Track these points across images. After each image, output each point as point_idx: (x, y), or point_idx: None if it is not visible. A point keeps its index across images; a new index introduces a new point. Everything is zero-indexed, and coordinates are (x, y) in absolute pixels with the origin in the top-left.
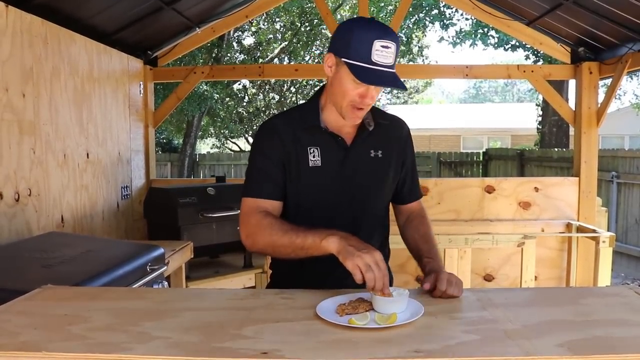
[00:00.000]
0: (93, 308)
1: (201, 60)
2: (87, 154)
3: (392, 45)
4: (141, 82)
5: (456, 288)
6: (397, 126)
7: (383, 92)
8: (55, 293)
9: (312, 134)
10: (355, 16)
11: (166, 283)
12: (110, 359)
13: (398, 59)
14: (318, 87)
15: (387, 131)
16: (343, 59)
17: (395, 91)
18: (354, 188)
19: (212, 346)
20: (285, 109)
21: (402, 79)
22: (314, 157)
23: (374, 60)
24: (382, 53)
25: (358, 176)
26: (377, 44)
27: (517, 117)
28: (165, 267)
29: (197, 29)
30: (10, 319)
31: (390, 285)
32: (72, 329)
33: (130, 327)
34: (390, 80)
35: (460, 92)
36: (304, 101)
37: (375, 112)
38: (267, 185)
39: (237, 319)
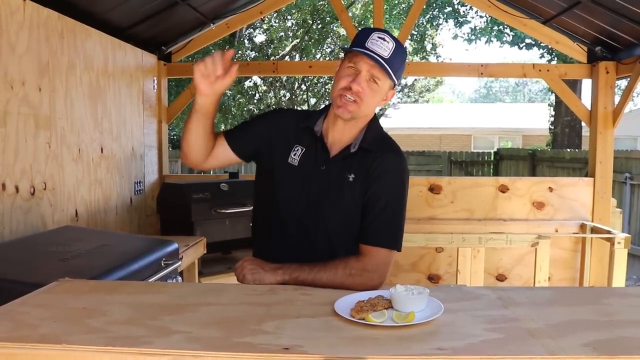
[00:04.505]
0: (111, 302)
1: None
2: (102, 149)
3: (389, 40)
4: (155, 78)
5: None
6: (379, 158)
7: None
8: (73, 286)
9: (303, 135)
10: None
11: (180, 278)
12: (131, 353)
13: (411, 57)
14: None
15: (367, 158)
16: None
17: (405, 89)
18: (317, 197)
19: (233, 341)
20: (295, 106)
21: (416, 76)
22: (294, 154)
23: (367, 46)
24: (377, 42)
25: (324, 189)
26: (375, 35)
27: (528, 117)
28: (180, 262)
29: (211, 24)
30: (29, 311)
31: None
32: (91, 322)
33: (150, 321)
34: (376, 60)
35: (471, 91)
36: (314, 99)
37: (369, 139)
38: (238, 130)
39: (257, 315)
